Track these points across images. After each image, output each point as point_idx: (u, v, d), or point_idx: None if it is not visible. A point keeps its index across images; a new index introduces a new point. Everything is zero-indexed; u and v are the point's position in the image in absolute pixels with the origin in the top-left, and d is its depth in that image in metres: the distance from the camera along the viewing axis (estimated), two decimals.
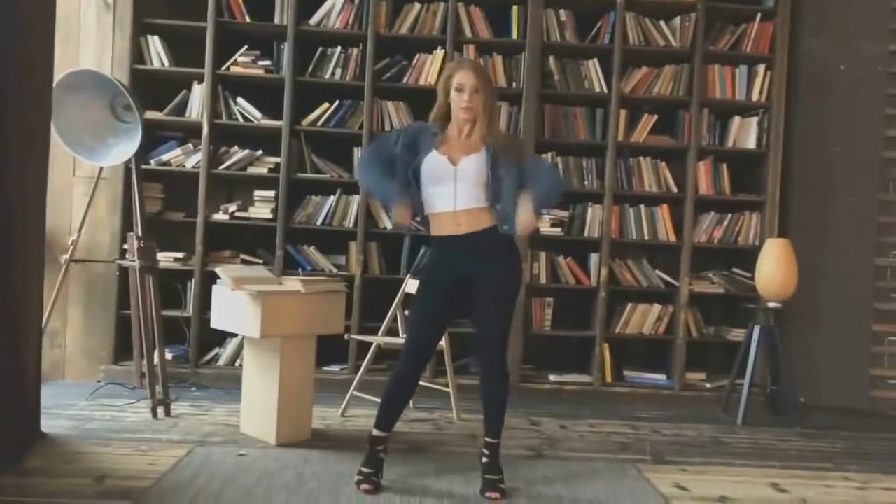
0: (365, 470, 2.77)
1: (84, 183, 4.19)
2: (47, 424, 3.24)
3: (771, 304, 4.09)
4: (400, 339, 3.87)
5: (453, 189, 2.72)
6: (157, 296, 3.68)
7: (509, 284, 2.79)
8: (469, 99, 2.70)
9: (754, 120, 4.42)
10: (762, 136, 4.41)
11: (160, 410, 3.57)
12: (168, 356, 4.02)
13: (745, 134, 4.46)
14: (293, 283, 3.29)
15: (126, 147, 3.67)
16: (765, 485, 3.02)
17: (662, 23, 4.40)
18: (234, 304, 3.26)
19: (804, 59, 4.42)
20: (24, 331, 3.01)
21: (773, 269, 4.03)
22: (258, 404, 3.31)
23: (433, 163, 2.74)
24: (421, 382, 3.98)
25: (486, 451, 2.83)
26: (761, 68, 4.41)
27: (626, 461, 3.24)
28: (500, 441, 2.86)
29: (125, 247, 4.06)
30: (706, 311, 4.54)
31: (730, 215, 4.46)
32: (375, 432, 2.83)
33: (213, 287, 3.42)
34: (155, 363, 3.64)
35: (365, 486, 2.71)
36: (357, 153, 4.34)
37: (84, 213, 3.84)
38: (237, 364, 4.29)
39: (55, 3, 3.09)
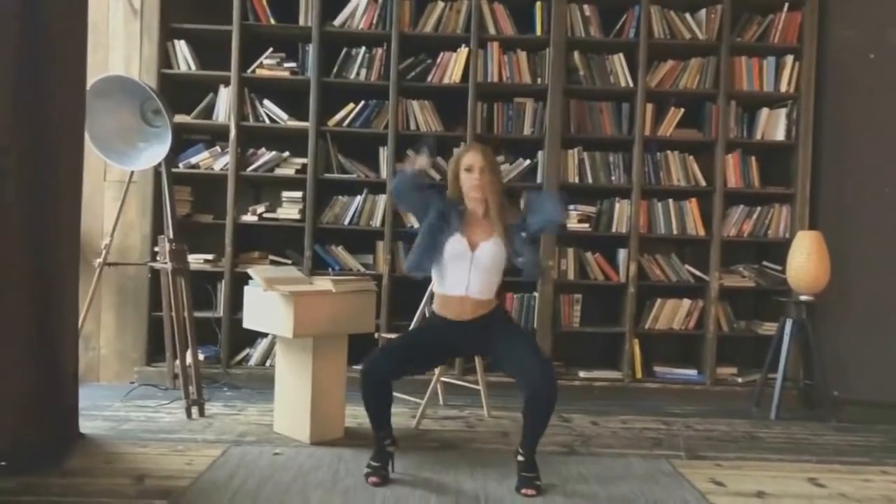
0: (374, 463, 2.85)
1: (115, 187, 4.25)
2: (85, 426, 3.29)
3: (803, 298, 4.05)
4: None
5: (467, 274, 2.91)
6: (189, 297, 3.72)
7: (518, 328, 3.07)
8: (479, 177, 2.89)
9: (783, 111, 4.37)
10: (791, 127, 4.36)
11: (194, 411, 3.61)
12: (200, 357, 4.06)
13: (773, 126, 4.41)
14: (324, 283, 3.31)
15: (156, 151, 3.71)
16: (802, 479, 3.00)
17: (688, 15, 4.36)
18: (266, 304, 3.28)
19: (833, 48, 4.35)
20: (62, 334, 3.06)
21: (805, 262, 3.98)
22: (291, 403, 3.33)
23: (453, 244, 2.91)
24: (450, 380, 4.04)
25: (521, 451, 2.84)
26: (789, 59, 4.36)
27: (659, 457, 3.23)
28: (535, 452, 2.85)
29: (156, 249, 4.11)
30: (736, 305, 4.50)
31: (759, 208, 4.42)
32: (374, 433, 2.91)
33: (245, 287, 3.45)
34: (188, 364, 3.68)
35: (373, 479, 2.79)
36: (383, 153, 4.35)
37: (116, 217, 3.89)
38: (268, 364, 4.33)
39: (87, 10, 3.13)
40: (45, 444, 2.91)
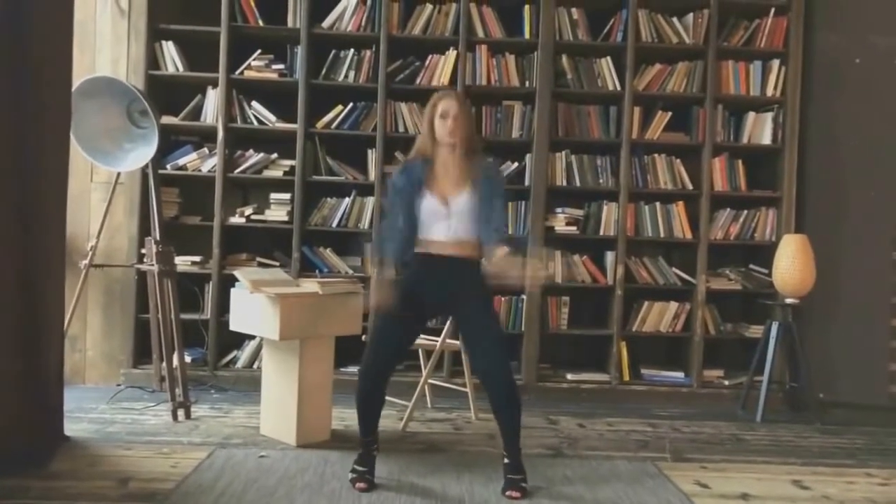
0: (359, 468, 2.84)
1: (101, 188, 4.24)
2: (70, 428, 3.27)
3: (788, 301, 4.08)
4: (419, 340, 3.88)
5: (447, 224, 2.87)
6: (175, 299, 3.71)
7: (489, 302, 2.95)
8: (453, 124, 2.86)
9: (769, 115, 4.40)
10: (777, 131, 4.39)
11: (180, 413, 3.60)
12: (187, 359, 4.06)
13: (759, 130, 4.44)
14: (311, 285, 3.30)
15: (143, 152, 3.70)
16: (786, 482, 3.01)
17: (675, 19, 4.39)
18: (252, 306, 3.28)
19: (819, 53, 4.38)
20: (48, 336, 3.04)
21: (791, 265, 4.01)
22: (278, 406, 3.33)
23: (427, 206, 2.87)
24: (438, 382, 4.04)
25: (506, 453, 2.85)
26: (775, 63, 4.39)
27: (645, 459, 3.24)
28: (520, 444, 2.86)
29: (143, 251, 4.09)
30: (723, 307, 4.52)
31: (746, 211, 4.44)
32: (362, 437, 2.90)
33: (232, 290, 3.44)
34: (174, 366, 3.67)
35: (360, 485, 2.78)
36: (371, 155, 4.35)
37: (102, 218, 3.87)
38: (255, 366, 4.31)
39: (73, 9, 3.12)
40: (28, 447, 2.88)
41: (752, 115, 4.44)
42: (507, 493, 2.74)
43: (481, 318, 2.85)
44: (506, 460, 2.83)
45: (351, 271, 4.35)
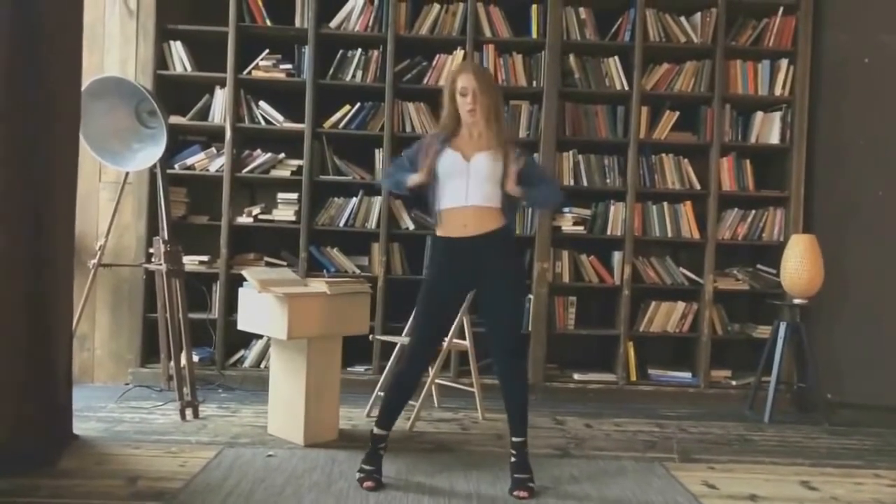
0: (366, 467, 2.84)
1: (110, 188, 4.25)
2: (79, 427, 3.29)
3: (796, 301, 4.07)
4: None
5: (465, 183, 2.78)
6: (184, 299, 3.72)
7: (517, 278, 2.91)
8: (472, 101, 2.78)
9: (777, 115, 4.39)
10: (785, 131, 4.38)
11: (188, 412, 3.61)
12: (194, 358, 4.07)
13: (767, 129, 4.42)
14: (318, 285, 3.31)
15: (151, 152, 3.71)
16: (794, 483, 3.01)
17: (683, 18, 4.37)
18: (260, 306, 3.29)
19: (827, 52, 4.36)
20: (56, 335, 3.05)
21: (799, 266, 4.00)
22: (285, 405, 3.33)
23: (446, 159, 2.82)
24: (445, 382, 4.04)
25: (513, 451, 2.86)
26: (784, 63, 4.37)
27: (653, 460, 3.23)
28: (527, 439, 2.87)
29: (151, 250, 4.10)
30: (730, 308, 4.51)
31: (753, 211, 4.43)
32: (377, 430, 2.90)
33: (240, 289, 3.45)
34: (182, 366, 3.68)
35: (368, 484, 2.78)
36: (378, 155, 4.35)
37: (111, 218, 3.88)
38: (262, 366, 4.32)
39: (82, 10, 3.13)
40: (37, 445, 2.90)
41: (760, 114, 4.43)
42: (515, 492, 2.74)
43: (503, 296, 2.81)
44: (512, 459, 2.84)
45: (358, 271, 4.36)
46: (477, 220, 2.79)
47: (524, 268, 2.89)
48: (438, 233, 2.89)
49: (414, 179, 2.86)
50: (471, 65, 3.00)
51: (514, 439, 2.86)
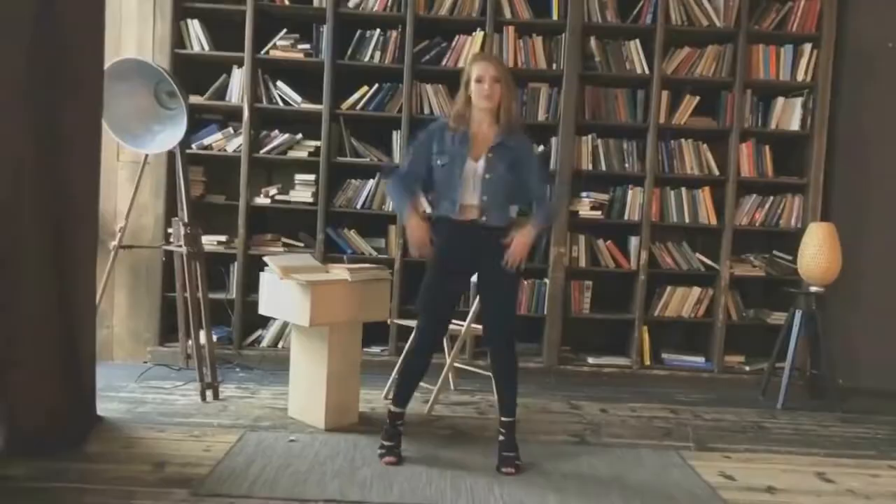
0: (386, 443, 2.96)
1: (128, 168, 4.25)
2: (102, 408, 3.33)
3: (813, 289, 4.07)
4: None
5: (471, 185, 2.87)
6: (204, 281, 3.74)
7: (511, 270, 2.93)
8: (489, 87, 2.81)
9: (798, 101, 4.35)
10: (806, 117, 4.34)
11: (209, 394, 3.65)
12: (213, 338, 4.10)
13: (788, 115, 4.38)
14: (340, 272, 3.32)
15: (171, 134, 3.70)
16: (810, 474, 3.04)
17: (705, 1, 4.31)
18: (282, 292, 3.30)
19: (852, 37, 4.31)
20: (80, 317, 3.07)
21: (817, 254, 3.99)
22: (306, 389, 3.37)
23: (468, 169, 2.87)
24: (460, 365, 4.08)
25: (502, 430, 2.98)
26: (807, 47, 4.32)
27: (669, 448, 3.27)
28: (516, 419, 2.99)
29: (169, 230, 4.11)
30: (745, 293, 4.52)
31: (772, 198, 4.41)
32: (394, 408, 3.01)
33: (261, 274, 3.46)
34: (202, 345, 3.71)
35: (388, 459, 2.90)
36: (396, 137, 4.34)
37: (131, 199, 3.88)
38: (280, 346, 4.36)
39: None
40: (64, 428, 2.94)
41: (780, 100, 4.39)
42: (503, 469, 2.88)
43: (498, 282, 2.90)
44: (500, 437, 2.97)
45: (375, 253, 4.37)
46: (481, 212, 2.88)
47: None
48: (443, 213, 2.95)
49: (408, 222, 2.91)
50: (488, 55, 3.03)
51: (503, 419, 2.99)
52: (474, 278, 3.19)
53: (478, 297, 3.24)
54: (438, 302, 2.97)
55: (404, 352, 3.34)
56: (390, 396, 3.74)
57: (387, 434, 2.99)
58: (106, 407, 3.40)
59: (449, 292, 3.00)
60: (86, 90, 3.02)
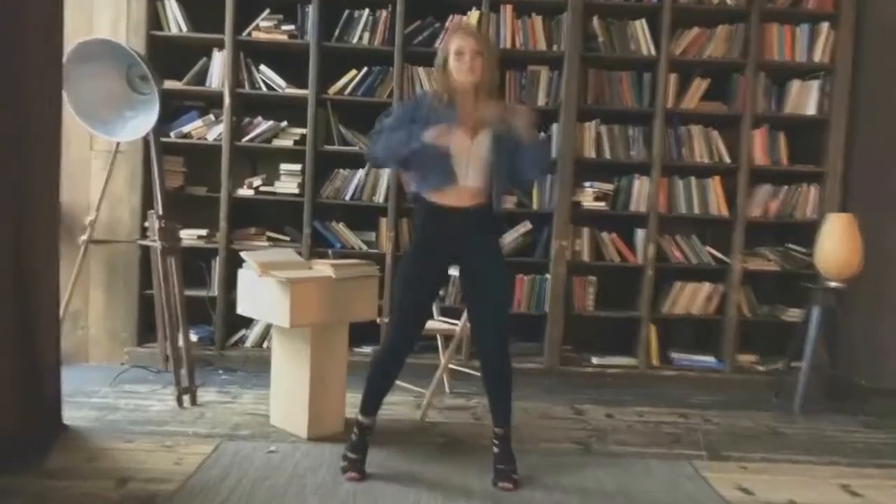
0: (351, 455, 2.72)
1: (102, 157, 4.02)
2: (70, 416, 3.11)
3: (832, 284, 3.82)
4: (435, 324, 3.68)
5: (465, 168, 2.64)
6: (180, 278, 3.50)
7: (501, 259, 2.75)
8: (470, 61, 2.58)
9: (815, 84, 4.10)
10: (823, 101, 4.09)
11: (185, 399, 3.42)
12: (193, 338, 3.88)
13: (804, 99, 4.13)
14: (324, 268, 3.07)
15: (143, 120, 3.45)
16: (834, 486, 2.81)
17: None
18: (261, 290, 3.06)
19: (872, 15, 4.06)
20: (41, 320, 2.85)
21: (836, 247, 3.75)
22: (288, 396, 3.13)
23: (455, 144, 2.61)
24: (456, 367, 3.84)
25: (496, 442, 2.74)
26: (825, 27, 4.07)
27: (680, 457, 3.04)
28: (510, 428, 2.75)
29: (146, 224, 3.88)
30: (759, 289, 4.28)
31: (786, 187, 4.17)
32: (363, 419, 2.76)
33: (239, 272, 3.23)
34: (179, 347, 3.48)
35: (351, 475, 2.66)
36: None
37: (101, 191, 3.65)
38: (265, 346, 4.13)
39: None
40: (24, 440, 2.72)
41: (796, 83, 4.14)
42: (500, 484, 2.64)
43: (489, 276, 2.69)
44: (495, 449, 2.73)
45: (365, 247, 4.13)
46: (472, 195, 2.66)
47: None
48: (434, 200, 2.68)
49: (432, 136, 2.54)
50: (468, 27, 2.83)
51: (496, 429, 2.75)
52: (454, 271, 2.92)
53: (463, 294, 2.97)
54: (419, 299, 2.72)
55: (374, 353, 3.07)
56: None
57: (352, 446, 2.73)
58: (75, 414, 3.17)
59: (430, 288, 2.81)
60: (41, 74, 2.77)
